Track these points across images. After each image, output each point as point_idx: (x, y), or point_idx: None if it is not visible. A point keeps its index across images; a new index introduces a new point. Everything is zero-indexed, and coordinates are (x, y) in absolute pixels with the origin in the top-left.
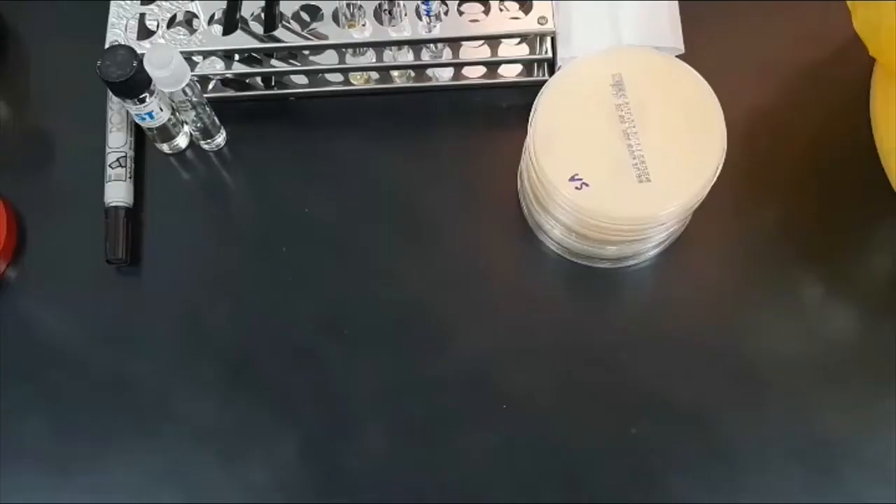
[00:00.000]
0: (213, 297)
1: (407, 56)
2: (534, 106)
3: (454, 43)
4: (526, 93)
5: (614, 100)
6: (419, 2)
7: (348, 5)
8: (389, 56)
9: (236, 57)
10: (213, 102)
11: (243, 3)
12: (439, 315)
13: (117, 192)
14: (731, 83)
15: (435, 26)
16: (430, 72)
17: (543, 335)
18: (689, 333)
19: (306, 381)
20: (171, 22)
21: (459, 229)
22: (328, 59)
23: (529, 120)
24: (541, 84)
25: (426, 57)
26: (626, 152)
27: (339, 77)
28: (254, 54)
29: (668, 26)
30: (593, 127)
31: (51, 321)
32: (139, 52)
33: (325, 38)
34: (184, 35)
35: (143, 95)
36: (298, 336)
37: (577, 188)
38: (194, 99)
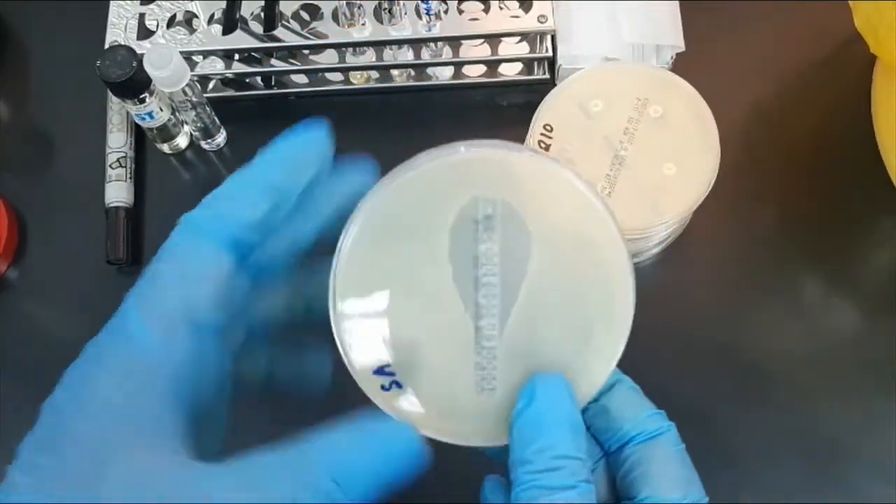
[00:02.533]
0: None
1: (407, 55)
2: (345, 230)
3: (454, 42)
4: (526, 91)
5: (473, 245)
6: (419, 1)
7: (348, 4)
8: (389, 55)
9: (236, 56)
10: (213, 102)
11: (243, 2)
12: None
13: (118, 192)
14: (731, 81)
15: (435, 25)
16: (430, 70)
17: None
18: (690, 331)
19: None
20: (171, 22)
21: None
22: (328, 58)
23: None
24: (541, 83)
25: (426, 56)
26: (470, 332)
27: (339, 76)
28: (254, 54)
29: (668, 24)
30: (427, 278)
31: (51, 322)
32: (139, 52)
33: (325, 37)
34: (183, 35)
35: (143, 95)
36: None
37: (383, 387)
38: (194, 99)
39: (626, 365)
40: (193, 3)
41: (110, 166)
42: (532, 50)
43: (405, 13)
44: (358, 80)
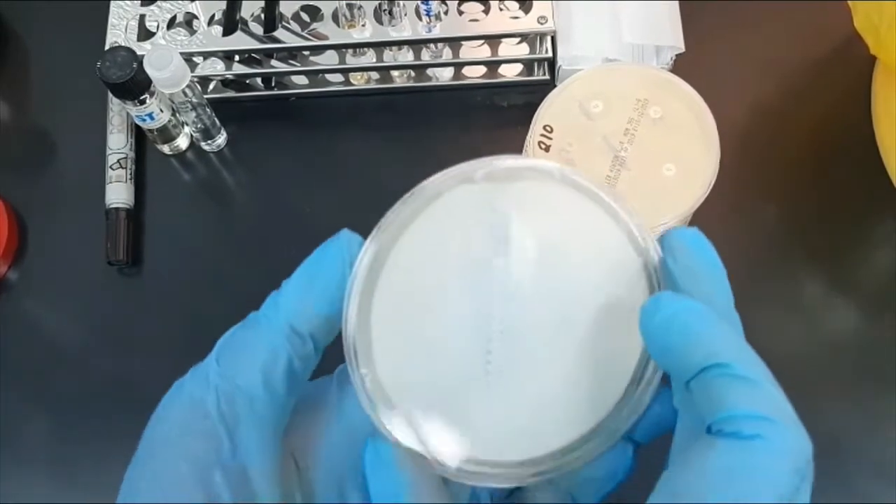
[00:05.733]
0: (214, 297)
1: (407, 56)
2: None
3: (454, 43)
4: (526, 92)
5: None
6: (419, 2)
7: (348, 5)
8: (389, 56)
9: (236, 58)
10: (213, 103)
11: (243, 3)
12: None
13: (118, 193)
14: (731, 81)
15: (435, 26)
16: (430, 71)
17: None
18: None
19: None
20: (172, 23)
21: None
22: (328, 59)
23: None
24: (541, 84)
25: (426, 57)
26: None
27: (339, 77)
28: (254, 55)
29: (668, 25)
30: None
31: (52, 322)
32: (139, 53)
33: (325, 38)
34: (184, 36)
35: (144, 97)
36: None
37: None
38: (194, 100)
39: None
40: (194, 4)
41: (111, 167)
42: (532, 51)
43: (405, 14)
44: (358, 81)
